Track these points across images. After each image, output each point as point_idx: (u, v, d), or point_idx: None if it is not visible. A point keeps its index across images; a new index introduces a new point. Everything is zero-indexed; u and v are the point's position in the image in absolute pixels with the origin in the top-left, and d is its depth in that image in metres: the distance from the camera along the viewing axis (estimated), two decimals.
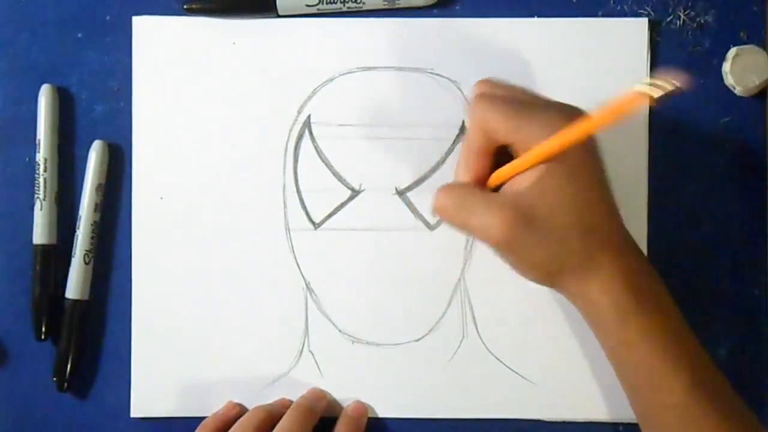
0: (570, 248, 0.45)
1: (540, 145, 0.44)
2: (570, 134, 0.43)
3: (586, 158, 0.46)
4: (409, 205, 0.54)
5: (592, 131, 0.43)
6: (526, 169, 0.45)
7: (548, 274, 0.46)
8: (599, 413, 0.54)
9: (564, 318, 0.54)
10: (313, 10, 0.54)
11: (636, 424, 0.51)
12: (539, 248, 0.45)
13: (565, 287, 0.47)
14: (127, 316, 0.54)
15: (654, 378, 0.45)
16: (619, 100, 0.40)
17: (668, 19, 0.55)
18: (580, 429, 0.54)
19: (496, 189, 0.47)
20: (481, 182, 0.48)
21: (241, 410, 0.53)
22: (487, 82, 0.49)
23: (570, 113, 0.45)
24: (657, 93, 0.38)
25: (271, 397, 0.54)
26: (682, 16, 0.55)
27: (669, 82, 0.37)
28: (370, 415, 0.54)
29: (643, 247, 0.54)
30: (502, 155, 0.47)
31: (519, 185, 0.45)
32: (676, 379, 0.44)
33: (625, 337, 0.45)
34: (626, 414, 0.54)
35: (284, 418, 0.51)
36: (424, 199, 0.54)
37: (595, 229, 0.45)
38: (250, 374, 0.54)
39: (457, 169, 0.48)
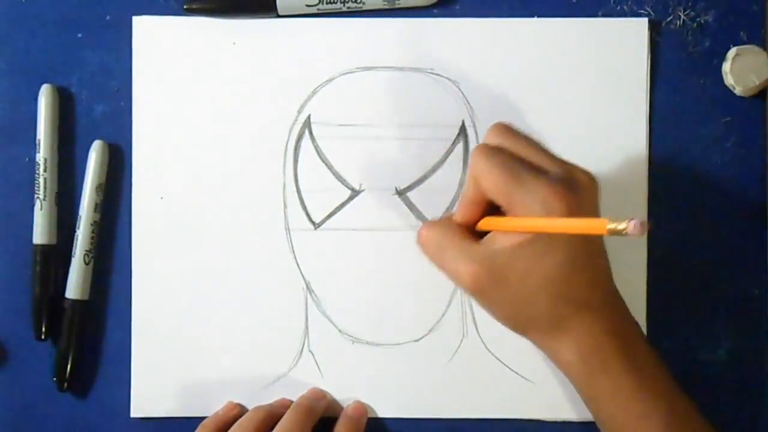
0: (538, 311, 0.45)
1: (523, 220, 0.44)
2: (549, 226, 0.43)
3: (559, 239, 0.45)
4: (409, 205, 0.54)
5: (568, 232, 0.43)
6: (510, 231, 0.45)
7: (515, 327, 0.47)
8: None
9: None
10: (313, 10, 0.54)
11: None
12: (506, 305, 0.46)
13: (535, 341, 0.47)
14: (127, 316, 0.54)
15: (626, 428, 0.46)
16: (586, 224, 0.41)
17: (668, 19, 0.55)
18: (580, 429, 0.54)
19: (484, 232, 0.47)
20: (471, 224, 0.47)
21: (241, 410, 0.53)
22: (497, 130, 0.47)
23: (563, 190, 0.43)
24: (616, 232, 0.37)
25: (271, 397, 0.54)
26: (682, 16, 0.55)
27: (627, 229, 0.36)
28: (370, 415, 0.54)
29: (643, 247, 0.54)
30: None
31: (498, 243, 0.45)
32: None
33: (593, 394, 0.46)
34: None
35: (284, 417, 0.51)
36: (424, 199, 0.54)
37: (567, 297, 0.45)
38: (250, 374, 0.54)
39: (456, 209, 0.48)
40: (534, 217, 0.43)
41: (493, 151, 0.45)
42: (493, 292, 0.45)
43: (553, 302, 0.45)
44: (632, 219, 0.36)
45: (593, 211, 0.45)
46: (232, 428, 0.51)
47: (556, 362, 0.47)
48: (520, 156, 0.45)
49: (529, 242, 0.44)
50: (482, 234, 0.47)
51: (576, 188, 0.44)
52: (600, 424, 0.48)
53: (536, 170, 0.44)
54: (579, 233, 0.42)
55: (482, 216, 0.47)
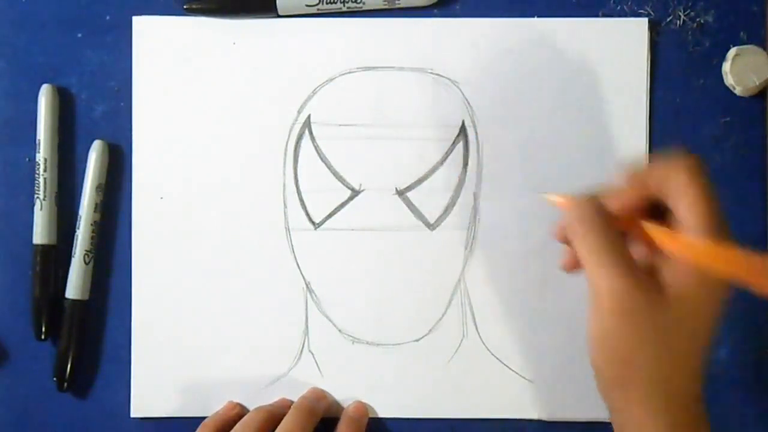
0: (683, 380, 0.40)
1: (729, 259, 0.39)
2: (732, 262, 0.38)
3: (725, 299, 0.40)
4: (409, 205, 0.54)
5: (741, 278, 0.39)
6: (669, 249, 0.40)
7: (620, 373, 0.40)
8: (599, 413, 0.54)
9: (564, 318, 0.54)
10: (313, 10, 0.54)
11: None
12: (643, 342, 0.39)
13: (624, 397, 0.41)
14: (127, 316, 0.54)
15: None
16: None
17: (668, 19, 0.55)
18: (580, 429, 0.54)
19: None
20: (618, 211, 0.41)
21: (242, 410, 0.54)
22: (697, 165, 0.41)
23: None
24: None
25: (271, 397, 0.54)
26: (682, 16, 0.55)
27: None
28: (370, 415, 0.54)
29: None
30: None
31: (668, 269, 0.40)
32: None
33: None
34: None
35: (285, 418, 0.51)
36: (424, 199, 0.54)
37: (691, 374, 0.40)
38: (250, 374, 0.54)
39: (611, 198, 0.41)
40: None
41: (707, 180, 0.40)
42: (640, 322, 0.39)
43: (698, 375, 0.40)
44: None
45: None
46: (234, 429, 0.51)
47: (631, 428, 0.41)
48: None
49: (716, 288, 0.39)
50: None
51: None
52: None
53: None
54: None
55: (631, 210, 0.41)
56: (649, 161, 0.42)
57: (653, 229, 0.40)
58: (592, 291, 0.40)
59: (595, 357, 0.41)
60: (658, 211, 0.41)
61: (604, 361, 0.41)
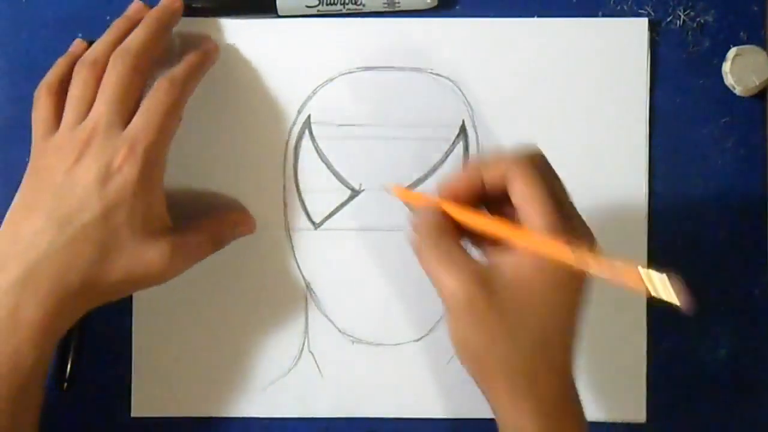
0: (518, 356, 0.42)
1: (548, 242, 0.41)
2: (561, 252, 0.40)
3: (578, 277, 0.42)
4: (410, 205, 0.54)
5: (578, 265, 0.40)
6: (498, 240, 0.42)
7: (478, 365, 0.43)
8: (598, 413, 0.54)
9: None
10: (313, 11, 0.54)
11: (639, 424, 0.51)
12: (485, 335, 0.42)
13: (493, 390, 0.43)
14: (127, 316, 0.54)
15: None
16: (619, 271, 0.39)
17: (668, 19, 0.55)
18: None
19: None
20: (455, 200, 0.44)
21: (89, 44, 0.52)
22: (542, 161, 0.44)
23: (587, 235, 0.43)
24: (649, 292, 0.37)
25: (271, 398, 0.54)
26: (682, 16, 0.55)
27: (670, 296, 0.36)
28: (370, 415, 0.54)
29: (644, 247, 0.54)
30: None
31: (501, 263, 0.42)
32: None
33: None
34: (626, 414, 0.54)
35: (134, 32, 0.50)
36: None
37: (549, 351, 0.42)
38: (250, 374, 0.54)
39: (449, 184, 0.45)
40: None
41: (541, 166, 0.43)
42: (482, 317, 0.41)
43: (536, 351, 0.42)
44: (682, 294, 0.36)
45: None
46: (95, 45, 0.50)
47: (509, 425, 0.43)
48: (554, 187, 0.43)
49: (540, 270, 0.41)
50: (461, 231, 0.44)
51: (592, 241, 0.43)
52: None
53: (566, 204, 0.43)
54: (610, 279, 0.39)
55: (468, 201, 0.44)
56: (492, 154, 0.44)
57: (492, 223, 0.43)
58: (439, 296, 0.43)
59: (458, 356, 0.43)
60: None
61: (464, 360, 0.43)
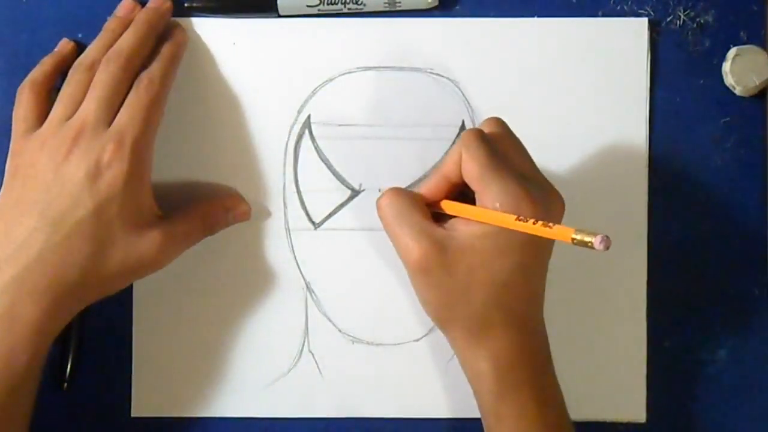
0: (471, 309, 0.46)
1: (492, 212, 0.45)
2: (511, 224, 0.44)
3: (533, 242, 0.45)
4: None
5: (534, 233, 0.43)
6: (468, 218, 0.46)
7: (440, 320, 0.48)
8: (598, 413, 0.54)
9: (562, 318, 0.54)
10: (314, 11, 0.54)
11: (639, 424, 0.51)
12: (443, 293, 0.46)
13: (453, 340, 0.48)
14: (127, 316, 0.54)
15: None
16: (554, 230, 0.42)
17: (668, 19, 0.55)
18: (579, 429, 0.54)
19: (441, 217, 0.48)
20: (434, 200, 0.48)
21: (75, 45, 0.54)
22: (496, 123, 0.48)
23: (537, 199, 0.45)
24: (580, 244, 0.39)
25: (271, 398, 0.54)
26: (682, 16, 0.55)
27: (589, 240, 0.39)
28: (370, 415, 0.54)
29: (644, 247, 0.54)
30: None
31: (457, 230, 0.46)
32: None
33: (497, 410, 0.47)
34: (626, 414, 0.54)
35: (123, 35, 0.51)
36: None
37: (502, 306, 0.46)
38: (250, 374, 0.54)
39: (423, 183, 0.50)
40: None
41: (486, 140, 0.46)
42: (436, 276, 0.46)
43: (489, 305, 0.46)
44: (598, 234, 0.38)
45: None
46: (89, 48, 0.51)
47: (468, 369, 0.48)
48: (508, 155, 0.47)
49: (488, 237, 0.45)
50: (439, 218, 0.48)
51: (548, 204, 0.46)
52: None
53: (519, 173, 0.46)
54: (544, 236, 0.42)
55: (445, 197, 0.48)
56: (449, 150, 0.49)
57: (448, 205, 0.48)
58: (400, 257, 0.47)
59: (426, 311, 0.48)
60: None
61: (427, 312, 0.48)
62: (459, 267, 0.45)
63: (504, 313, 0.46)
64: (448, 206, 0.48)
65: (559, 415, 0.48)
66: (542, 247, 0.47)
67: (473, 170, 0.45)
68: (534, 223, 0.42)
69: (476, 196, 0.46)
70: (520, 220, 0.43)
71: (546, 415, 0.47)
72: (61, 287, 0.46)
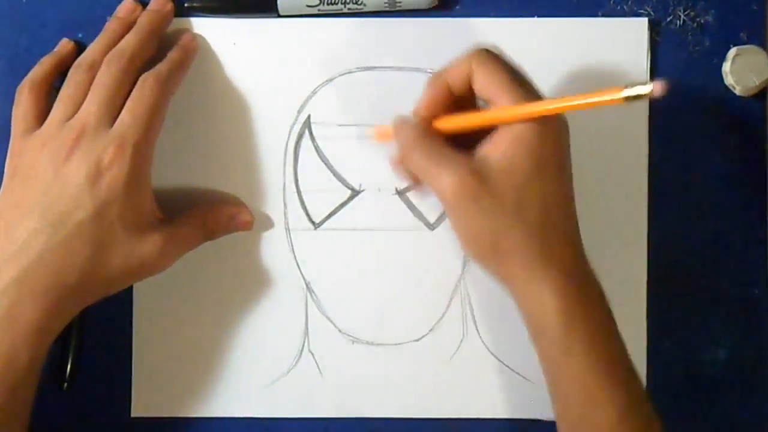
0: (529, 232, 0.43)
1: (521, 106, 0.44)
2: (552, 104, 0.43)
3: (557, 147, 0.45)
4: (409, 205, 0.54)
5: (583, 107, 0.43)
6: (499, 122, 0.44)
7: (495, 251, 0.44)
8: None
9: None
10: (314, 11, 0.54)
11: None
12: (495, 217, 0.43)
13: (510, 275, 0.45)
14: (127, 316, 0.54)
15: (589, 395, 0.44)
16: (603, 94, 0.41)
17: (668, 19, 0.55)
18: None
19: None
20: (432, 115, 0.47)
21: (75, 45, 0.54)
22: (491, 51, 0.47)
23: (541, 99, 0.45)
24: (634, 99, 0.39)
25: (271, 397, 0.54)
26: (682, 16, 0.55)
27: (646, 92, 0.38)
28: (370, 415, 0.54)
29: (643, 247, 0.54)
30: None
31: (490, 155, 0.44)
32: (612, 401, 0.44)
33: (567, 346, 0.44)
34: None
35: (125, 38, 0.51)
36: (424, 199, 0.54)
37: (556, 224, 0.44)
38: (250, 374, 0.54)
39: (421, 102, 0.48)
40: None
41: (497, 56, 0.46)
42: (485, 200, 0.43)
43: (545, 225, 0.43)
44: (651, 82, 0.37)
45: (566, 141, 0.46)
46: (89, 49, 0.51)
47: (530, 306, 0.44)
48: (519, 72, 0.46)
49: (523, 155, 0.43)
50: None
51: (560, 118, 0.45)
52: (559, 381, 0.45)
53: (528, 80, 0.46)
54: (594, 105, 0.41)
55: (443, 111, 0.47)
56: (453, 61, 0.47)
57: (471, 116, 0.46)
58: (438, 196, 0.45)
59: (466, 250, 0.46)
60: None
61: (474, 252, 0.45)
62: (506, 189, 0.43)
63: (559, 233, 0.44)
64: (453, 122, 0.46)
65: (622, 347, 0.45)
66: (568, 162, 0.45)
67: (491, 81, 0.44)
68: (574, 96, 0.42)
69: (491, 102, 0.45)
70: (558, 99, 0.42)
71: (613, 348, 0.44)
72: (62, 288, 0.46)
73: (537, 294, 0.44)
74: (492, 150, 0.44)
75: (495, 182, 0.43)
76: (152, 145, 0.50)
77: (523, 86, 0.45)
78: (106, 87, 0.49)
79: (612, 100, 0.40)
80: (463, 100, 0.47)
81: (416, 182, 0.49)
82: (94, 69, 0.50)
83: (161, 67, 0.51)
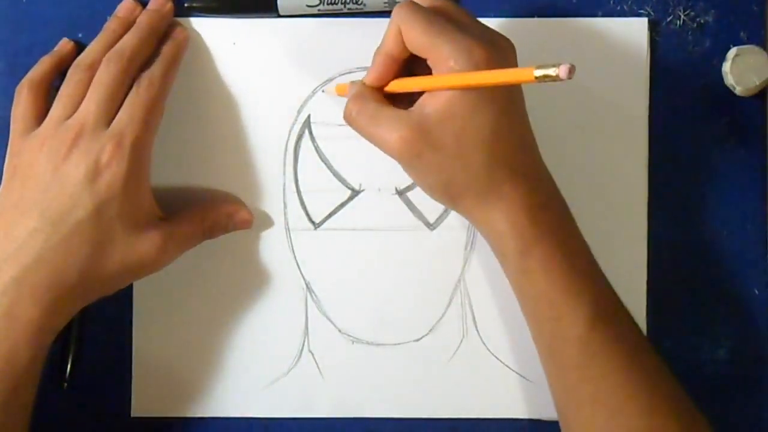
0: (474, 174, 0.45)
1: (449, 76, 0.44)
2: (471, 79, 0.44)
3: (502, 90, 0.46)
4: (409, 205, 0.54)
5: (495, 83, 0.44)
6: (430, 90, 0.45)
7: (449, 197, 0.47)
8: None
9: None
10: (314, 11, 0.54)
11: None
12: (441, 169, 0.46)
13: (468, 211, 0.47)
14: (127, 315, 0.54)
15: (555, 310, 0.46)
16: (515, 72, 0.43)
17: (668, 19, 0.55)
18: None
19: (394, 97, 0.48)
20: (384, 84, 0.48)
21: (75, 44, 0.54)
22: None
23: (486, 44, 0.45)
24: (544, 78, 0.39)
25: (271, 398, 0.54)
26: (682, 16, 0.55)
27: (554, 73, 0.38)
28: (370, 415, 0.54)
29: (643, 247, 0.54)
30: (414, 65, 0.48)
31: (427, 107, 0.45)
32: (578, 312, 0.45)
33: (525, 267, 0.46)
34: None
35: (125, 37, 0.51)
36: (424, 199, 0.54)
37: (501, 159, 0.46)
38: (250, 374, 0.54)
39: (369, 70, 0.49)
40: (458, 71, 0.44)
41: (419, 6, 0.47)
42: (428, 156, 0.45)
43: (489, 164, 0.45)
44: (561, 64, 0.38)
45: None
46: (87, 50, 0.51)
47: (489, 234, 0.47)
48: (448, 16, 0.47)
49: (459, 100, 0.44)
50: (399, 102, 0.47)
51: (497, 46, 0.46)
52: (526, 301, 0.48)
53: (460, 25, 0.46)
54: (507, 83, 0.43)
55: (394, 77, 0.48)
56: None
57: (405, 81, 0.48)
58: (388, 153, 0.46)
59: (428, 194, 0.48)
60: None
61: (433, 196, 0.48)
62: (445, 139, 0.45)
63: (504, 167, 0.46)
64: (402, 84, 0.48)
65: (588, 261, 0.47)
66: (514, 93, 0.47)
67: (417, 38, 0.45)
68: (491, 71, 0.43)
69: (429, 63, 0.46)
70: (477, 73, 0.43)
71: (574, 263, 0.46)
72: (61, 287, 0.46)
73: (492, 223, 0.46)
74: (430, 101, 0.45)
75: (435, 134, 0.45)
76: (150, 143, 0.50)
77: (444, 36, 0.45)
78: (105, 86, 0.49)
79: (525, 79, 0.41)
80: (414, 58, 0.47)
81: None
82: (93, 68, 0.50)
83: (154, 66, 0.51)
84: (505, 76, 0.43)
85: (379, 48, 0.48)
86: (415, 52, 0.46)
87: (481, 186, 0.46)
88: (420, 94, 0.46)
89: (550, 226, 0.46)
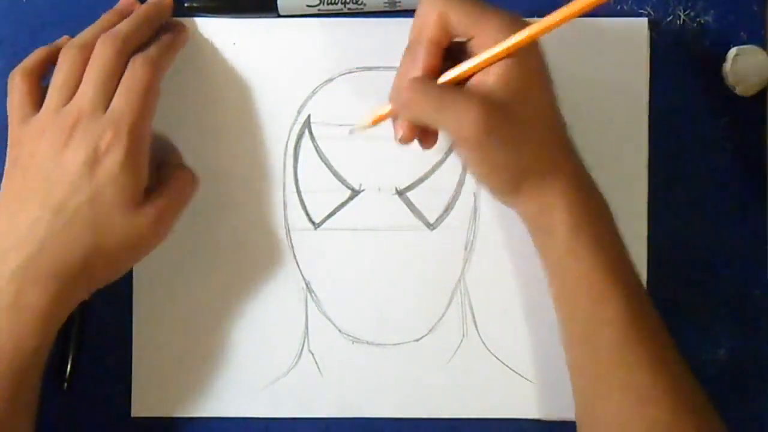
0: (540, 147, 0.46)
1: (501, 42, 0.44)
2: (528, 32, 0.45)
3: (542, 74, 0.46)
4: (409, 205, 0.54)
5: (546, 30, 0.45)
6: (484, 67, 0.45)
7: (512, 178, 0.46)
8: None
9: None
10: (314, 11, 0.54)
11: None
12: (511, 146, 0.45)
13: (523, 192, 0.47)
14: (127, 315, 0.54)
15: (596, 290, 0.46)
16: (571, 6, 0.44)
17: (668, 19, 0.55)
18: None
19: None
20: (436, 73, 0.47)
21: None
22: None
23: (518, 18, 0.46)
24: None
25: (271, 398, 0.54)
26: (682, 16, 0.55)
27: None
28: (370, 415, 0.54)
29: (644, 247, 0.54)
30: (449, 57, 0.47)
31: (486, 83, 0.45)
32: (620, 293, 0.46)
33: (573, 245, 0.46)
34: None
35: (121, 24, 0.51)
36: (424, 199, 0.54)
37: (559, 134, 0.47)
38: (250, 374, 0.54)
39: (402, 65, 0.47)
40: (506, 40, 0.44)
41: None
42: (503, 130, 0.44)
43: (551, 138, 0.46)
44: None
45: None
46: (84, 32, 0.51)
47: (539, 212, 0.47)
48: None
49: (516, 73, 0.45)
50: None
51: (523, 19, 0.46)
52: (566, 281, 0.47)
53: (493, 6, 0.46)
54: (589, 6, 0.43)
55: (440, 64, 0.47)
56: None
57: (458, 68, 0.46)
58: (455, 138, 0.46)
59: (484, 182, 0.48)
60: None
61: (492, 182, 0.48)
62: (516, 113, 0.45)
63: (561, 143, 0.47)
64: (454, 76, 0.46)
65: (626, 252, 0.48)
66: (547, 77, 0.47)
67: (464, 18, 0.45)
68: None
69: (474, 41, 0.45)
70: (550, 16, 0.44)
71: (617, 247, 0.47)
72: (66, 273, 0.47)
73: (545, 198, 0.46)
74: (485, 78, 0.45)
75: (507, 109, 0.44)
76: (148, 126, 0.49)
77: (486, 11, 0.45)
78: (100, 70, 0.48)
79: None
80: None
81: (423, 136, 0.49)
82: (86, 49, 0.49)
83: (151, 48, 0.50)
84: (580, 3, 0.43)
85: (417, 40, 0.47)
86: (459, 34, 0.46)
87: (544, 162, 0.46)
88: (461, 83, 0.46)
89: (599, 207, 0.47)
